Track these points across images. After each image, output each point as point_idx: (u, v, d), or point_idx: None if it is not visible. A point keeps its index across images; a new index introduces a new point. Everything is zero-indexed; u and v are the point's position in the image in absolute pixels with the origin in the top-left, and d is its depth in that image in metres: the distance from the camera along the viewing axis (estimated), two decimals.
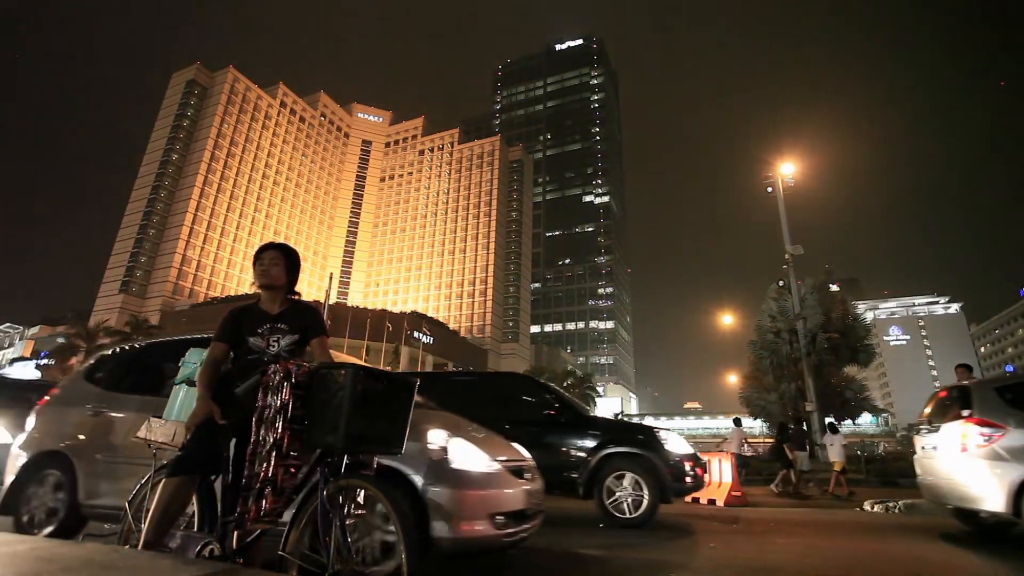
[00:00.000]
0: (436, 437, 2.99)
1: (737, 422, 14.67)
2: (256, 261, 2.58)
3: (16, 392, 6.51)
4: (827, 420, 14.57)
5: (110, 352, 4.64)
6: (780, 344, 21.34)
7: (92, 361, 4.58)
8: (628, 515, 5.40)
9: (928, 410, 5.80)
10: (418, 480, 2.82)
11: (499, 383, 7.60)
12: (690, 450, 6.02)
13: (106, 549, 2.03)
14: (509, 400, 6.39)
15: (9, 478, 3.82)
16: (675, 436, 6.02)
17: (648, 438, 5.75)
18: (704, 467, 6.35)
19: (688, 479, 5.64)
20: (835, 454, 10.95)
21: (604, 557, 4.03)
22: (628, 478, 5.52)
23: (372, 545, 2.49)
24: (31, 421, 4.17)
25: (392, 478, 2.76)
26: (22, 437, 4.11)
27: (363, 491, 2.11)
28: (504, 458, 3.29)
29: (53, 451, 3.83)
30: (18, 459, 3.90)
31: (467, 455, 3.03)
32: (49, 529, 3.63)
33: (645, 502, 5.40)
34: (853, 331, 21.38)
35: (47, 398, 4.35)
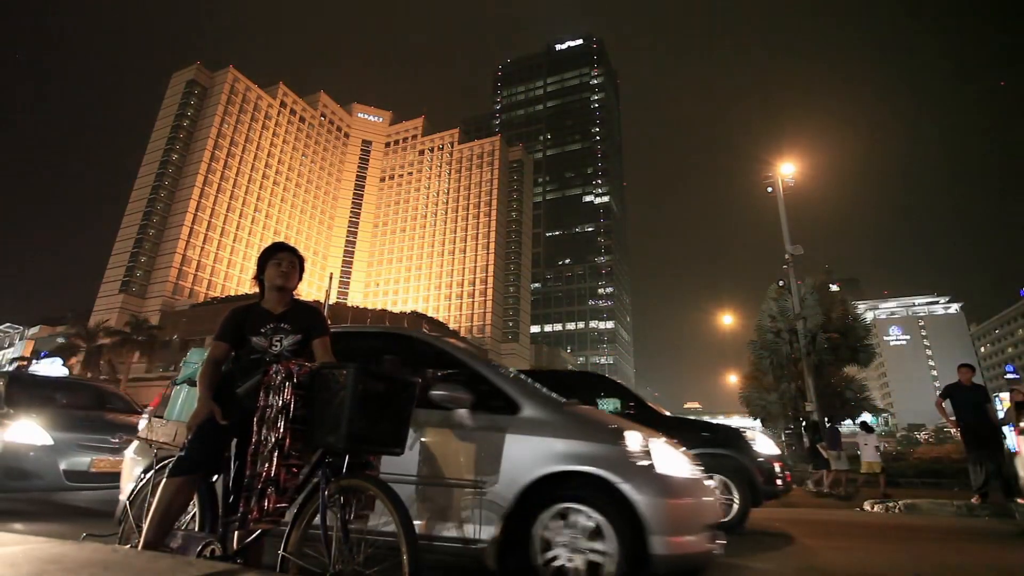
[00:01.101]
0: (634, 439, 2.67)
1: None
2: (269, 259, 2.56)
3: (46, 391, 6.14)
4: (859, 419, 14.31)
5: None
6: (780, 344, 21.34)
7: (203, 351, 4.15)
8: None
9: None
10: (628, 488, 2.49)
11: (571, 381, 7.03)
12: (777, 451, 5.75)
13: (106, 549, 2.03)
14: (584, 399, 5.95)
15: (128, 486, 3.41)
16: (762, 436, 5.75)
17: (733, 437, 5.43)
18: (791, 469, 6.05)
19: (778, 481, 5.40)
20: (870, 455, 10.59)
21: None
22: (715, 480, 5.10)
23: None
24: (144, 423, 3.85)
25: (600, 487, 2.50)
26: (136, 444, 3.64)
27: (365, 491, 2.10)
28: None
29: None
30: (135, 467, 3.45)
31: (671, 459, 2.71)
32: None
33: (735, 506, 5.09)
34: (853, 331, 21.37)
35: (158, 398, 3.81)
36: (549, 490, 2.56)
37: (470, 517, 2.60)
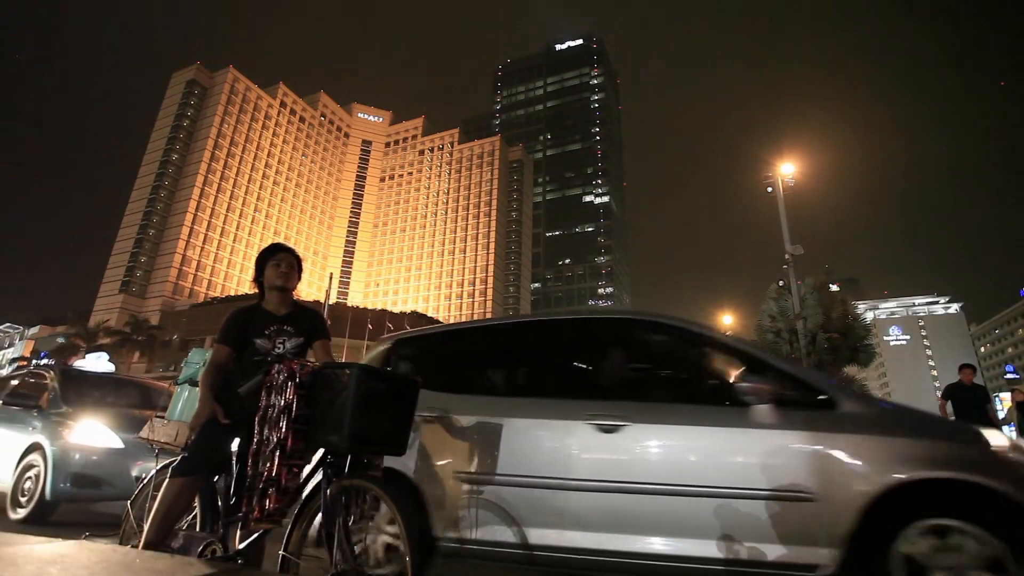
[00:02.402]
0: (997, 436, 2.25)
1: None
2: (268, 260, 2.55)
3: (98, 388, 5.53)
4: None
5: (415, 336, 3.59)
6: (780, 344, 21.34)
7: (388, 345, 3.46)
8: None
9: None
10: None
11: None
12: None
13: (107, 549, 2.02)
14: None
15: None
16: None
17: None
18: None
19: None
20: None
21: None
22: None
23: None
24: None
25: (974, 499, 2.01)
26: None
27: (367, 492, 2.10)
28: None
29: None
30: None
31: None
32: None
33: None
34: (853, 331, 21.38)
35: None
36: (902, 501, 2.08)
37: (796, 536, 2.14)
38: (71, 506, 4.78)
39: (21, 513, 4.33)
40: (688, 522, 2.27)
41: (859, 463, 2.16)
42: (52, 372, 5.30)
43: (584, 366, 3.06)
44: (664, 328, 2.96)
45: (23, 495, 4.43)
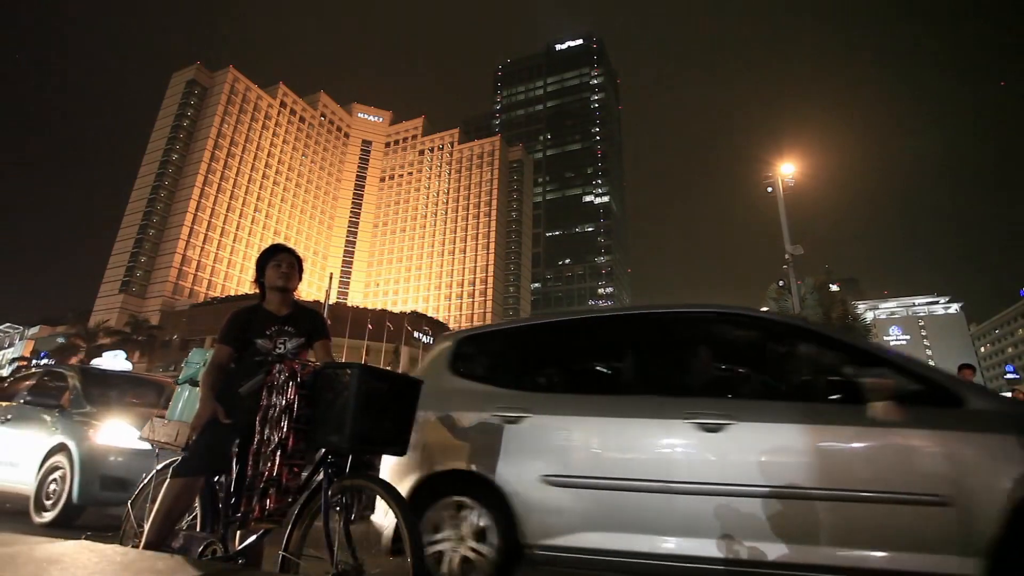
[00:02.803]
0: None
1: None
2: (269, 261, 2.56)
3: (118, 388, 5.39)
4: None
5: (483, 333, 3.42)
6: None
7: (450, 344, 3.23)
8: None
9: None
10: None
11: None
12: None
13: (107, 549, 2.02)
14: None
15: (391, 517, 2.62)
16: None
17: None
18: None
19: None
20: None
21: None
22: None
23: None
24: (417, 428, 3.05)
25: None
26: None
27: (368, 491, 2.09)
28: None
29: (459, 471, 2.69)
30: (404, 481, 2.81)
31: None
32: None
33: None
34: (853, 331, 21.40)
35: None
36: None
37: (930, 543, 2.00)
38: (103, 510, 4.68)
39: (47, 517, 4.20)
40: (803, 527, 2.14)
41: (999, 465, 2.01)
42: (72, 371, 5.18)
43: (679, 362, 2.89)
44: (765, 323, 2.85)
45: (48, 498, 4.30)
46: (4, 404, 5.33)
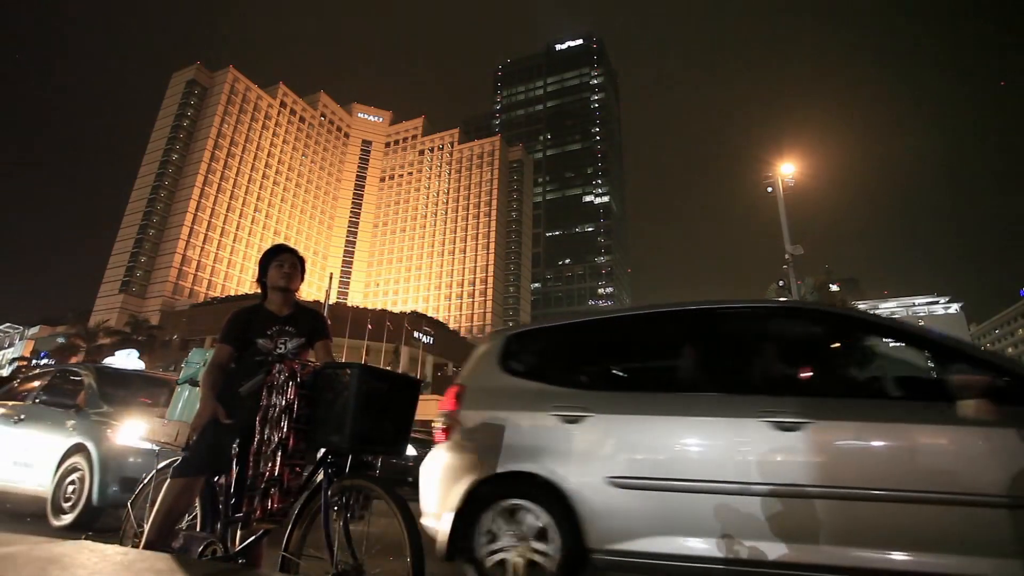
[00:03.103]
0: None
1: None
2: (271, 261, 2.56)
3: (132, 388, 5.25)
4: None
5: (536, 330, 3.29)
6: None
7: (499, 342, 3.12)
8: None
9: None
10: None
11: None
12: None
13: (107, 549, 2.02)
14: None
15: (446, 521, 2.60)
16: None
17: None
18: None
19: None
20: None
21: None
22: None
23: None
24: (468, 428, 2.91)
25: None
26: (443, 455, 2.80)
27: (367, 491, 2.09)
28: None
29: (517, 473, 2.57)
30: (458, 484, 2.67)
31: None
32: None
33: None
34: None
35: (455, 399, 2.93)
36: None
37: (1013, 549, 1.93)
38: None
39: (66, 519, 4.10)
40: (889, 531, 2.05)
41: None
42: (87, 370, 5.07)
43: (750, 358, 2.79)
44: (838, 318, 2.72)
45: (66, 500, 4.21)
46: (15, 404, 5.21)
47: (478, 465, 2.64)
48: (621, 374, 2.96)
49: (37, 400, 4.89)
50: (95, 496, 4.00)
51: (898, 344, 2.57)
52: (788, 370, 2.72)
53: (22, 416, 4.93)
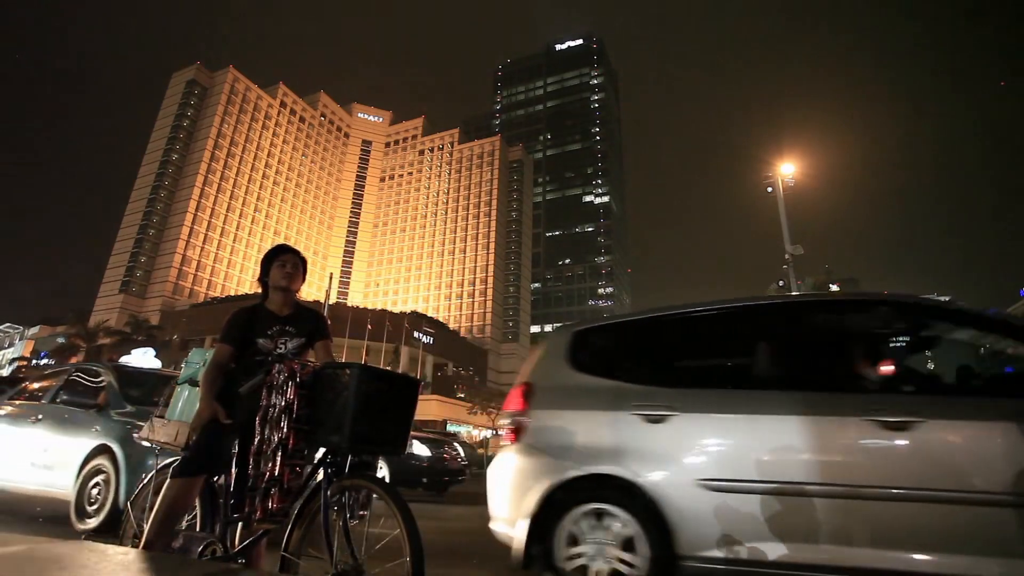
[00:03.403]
0: None
1: None
2: (273, 261, 2.56)
3: (152, 387, 5.09)
4: None
5: (609, 325, 3.11)
6: None
7: (566, 338, 2.99)
8: None
9: None
10: None
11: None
12: None
13: (107, 549, 2.02)
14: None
15: (521, 528, 2.47)
16: None
17: None
18: None
19: None
20: None
21: None
22: None
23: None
24: (539, 428, 2.74)
25: None
26: (519, 458, 2.66)
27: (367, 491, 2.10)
28: None
29: (597, 476, 2.47)
30: (534, 487, 2.53)
31: None
32: None
33: None
34: None
35: (523, 398, 2.80)
36: None
37: None
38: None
39: (91, 523, 4.01)
40: (1015, 538, 1.93)
41: None
42: (107, 369, 4.95)
43: (846, 354, 2.66)
44: (948, 313, 2.59)
45: (91, 503, 4.10)
46: (31, 403, 5.09)
47: (554, 468, 2.52)
48: (705, 371, 2.83)
49: (58, 400, 4.76)
50: (122, 499, 3.91)
51: (1015, 341, 2.44)
52: (888, 366, 2.58)
53: (39, 416, 4.77)
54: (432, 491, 9.19)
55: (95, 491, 4.11)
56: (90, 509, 4.11)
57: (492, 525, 2.65)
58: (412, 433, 9.05)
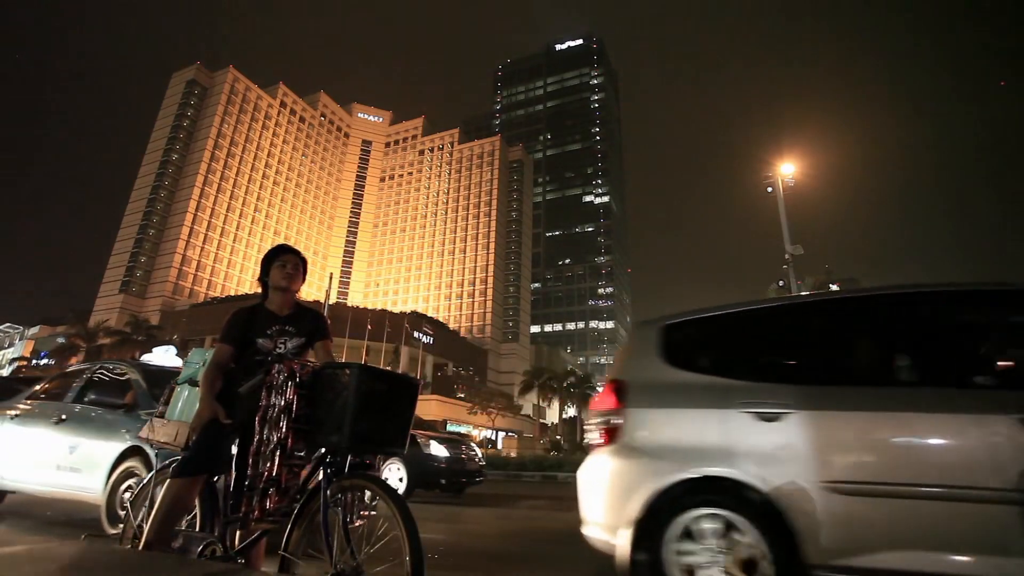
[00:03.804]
0: None
1: None
2: (274, 261, 2.56)
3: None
4: None
5: (706, 318, 2.86)
6: None
7: (656, 332, 2.79)
8: None
9: None
10: None
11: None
12: None
13: (107, 549, 2.02)
14: None
15: (624, 535, 2.34)
16: None
17: None
18: None
19: None
20: None
21: None
22: None
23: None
24: (637, 428, 2.56)
25: None
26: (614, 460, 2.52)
27: (366, 491, 2.10)
28: None
29: (708, 478, 2.31)
30: (636, 491, 2.37)
31: None
32: None
33: None
34: None
35: (616, 395, 2.64)
36: None
37: None
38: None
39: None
40: None
41: None
42: (132, 368, 4.78)
43: (983, 348, 2.50)
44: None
45: (123, 508, 3.90)
46: (50, 403, 4.89)
47: (658, 470, 2.36)
48: (826, 367, 2.62)
49: (85, 400, 4.62)
50: None
51: None
52: None
53: (63, 416, 4.60)
54: (450, 492, 8.99)
55: (127, 495, 3.92)
56: (122, 514, 3.92)
57: (585, 531, 2.54)
58: (430, 434, 8.95)
